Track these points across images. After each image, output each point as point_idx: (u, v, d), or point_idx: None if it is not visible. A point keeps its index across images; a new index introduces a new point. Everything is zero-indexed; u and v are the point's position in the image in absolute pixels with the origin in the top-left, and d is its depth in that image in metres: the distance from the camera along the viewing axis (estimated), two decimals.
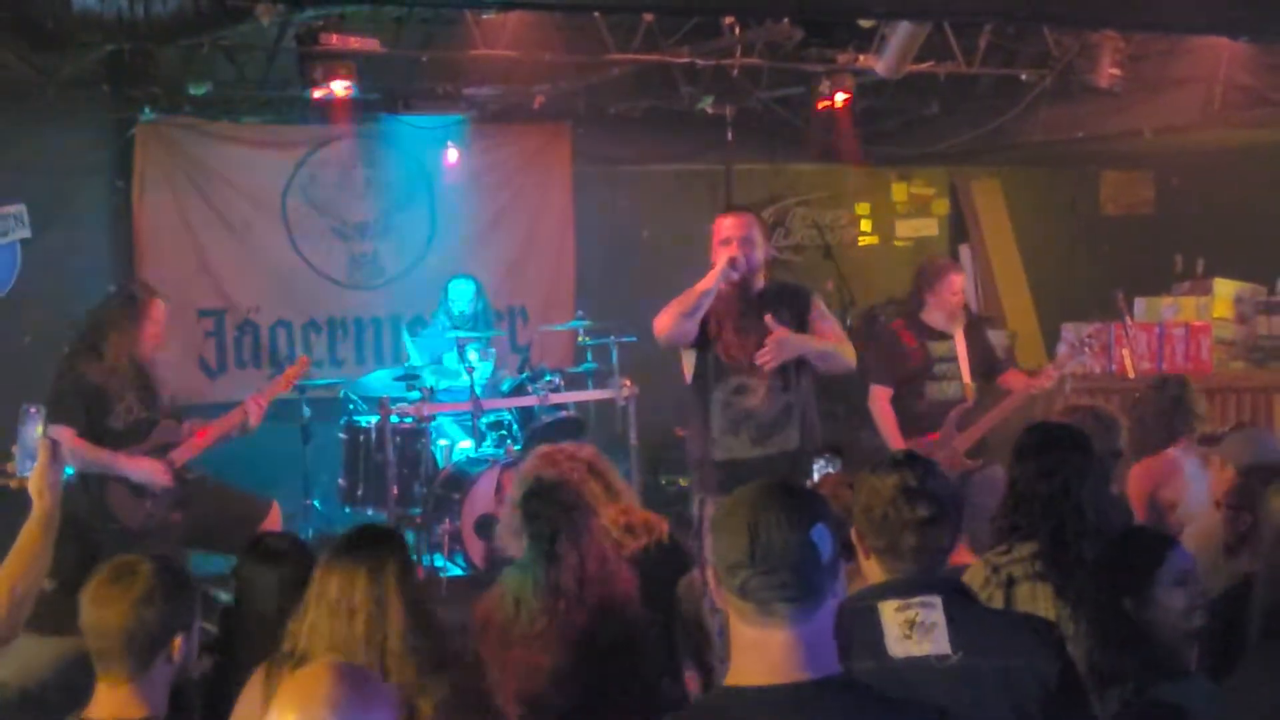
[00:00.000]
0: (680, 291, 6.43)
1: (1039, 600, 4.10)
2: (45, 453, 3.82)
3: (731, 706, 2.52)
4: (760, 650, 2.51)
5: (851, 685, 2.56)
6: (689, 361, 6.31)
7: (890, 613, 3.13)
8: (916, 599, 3.16)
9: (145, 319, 6.70)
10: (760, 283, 6.26)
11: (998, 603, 4.11)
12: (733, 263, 6.06)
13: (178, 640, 3.30)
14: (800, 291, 6.53)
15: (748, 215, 6.38)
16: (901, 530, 3.23)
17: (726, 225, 6.25)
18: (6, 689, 3.92)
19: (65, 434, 5.89)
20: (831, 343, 6.28)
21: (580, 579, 4.42)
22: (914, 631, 3.13)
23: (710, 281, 6.07)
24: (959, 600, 3.24)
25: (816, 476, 3.92)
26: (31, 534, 3.76)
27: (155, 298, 6.82)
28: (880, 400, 7.86)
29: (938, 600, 3.17)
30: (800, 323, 6.28)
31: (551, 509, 4.51)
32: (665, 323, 6.15)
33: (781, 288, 6.54)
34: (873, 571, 3.35)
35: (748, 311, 6.18)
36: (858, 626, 3.10)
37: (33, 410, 3.93)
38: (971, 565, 4.25)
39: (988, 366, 8.09)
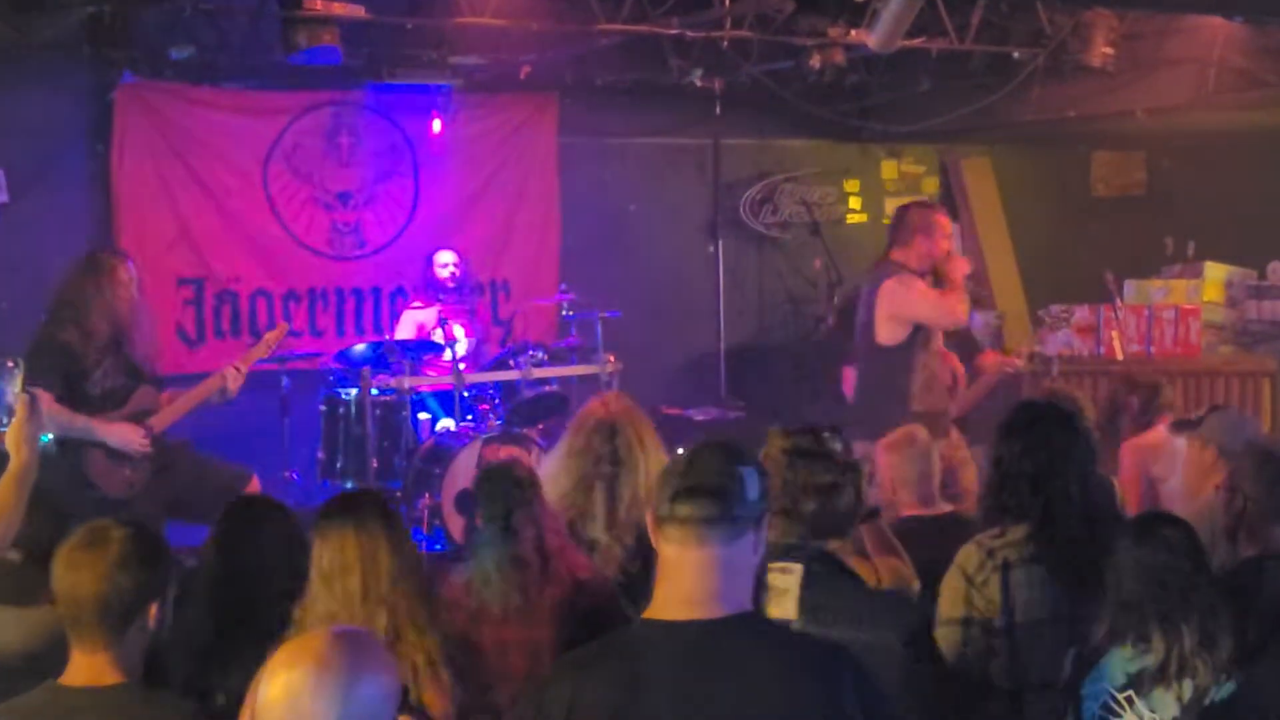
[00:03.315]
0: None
1: (1034, 584, 4.05)
2: (24, 407, 3.80)
3: (645, 636, 2.76)
4: (678, 575, 2.75)
5: (758, 621, 2.82)
6: (900, 329, 7.27)
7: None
8: (778, 564, 3.38)
9: (114, 283, 6.64)
10: None
11: (993, 587, 4.09)
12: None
13: (153, 607, 3.25)
14: None
15: None
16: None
17: (950, 226, 7.64)
18: None
19: (42, 398, 5.82)
20: None
21: (541, 551, 4.48)
22: (769, 595, 3.36)
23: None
24: (826, 570, 3.39)
25: None
26: (5, 488, 3.73)
27: (120, 260, 6.77)
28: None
29: (798, 568, 3.39)
30: None
31: (505, 486, 4.57)
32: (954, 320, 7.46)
33: None
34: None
35: None
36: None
37: (10, 365, 3.89)
38: (965, 548, 4.22)
39: (963, 346, 8.08)
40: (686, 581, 2.75)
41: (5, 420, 3.85)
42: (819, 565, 3.37)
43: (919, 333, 7.24)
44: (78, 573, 3.18)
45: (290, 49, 8.08)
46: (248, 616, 3.89)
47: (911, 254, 7.36)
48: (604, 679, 2.71)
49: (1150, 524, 3.78)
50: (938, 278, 7.33)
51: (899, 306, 7.27)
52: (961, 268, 7.35)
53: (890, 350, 7.27)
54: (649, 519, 2.85)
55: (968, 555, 4.17)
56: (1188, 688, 3.47)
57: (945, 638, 4.08)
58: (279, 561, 4.03)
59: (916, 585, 4.46)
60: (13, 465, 3.78)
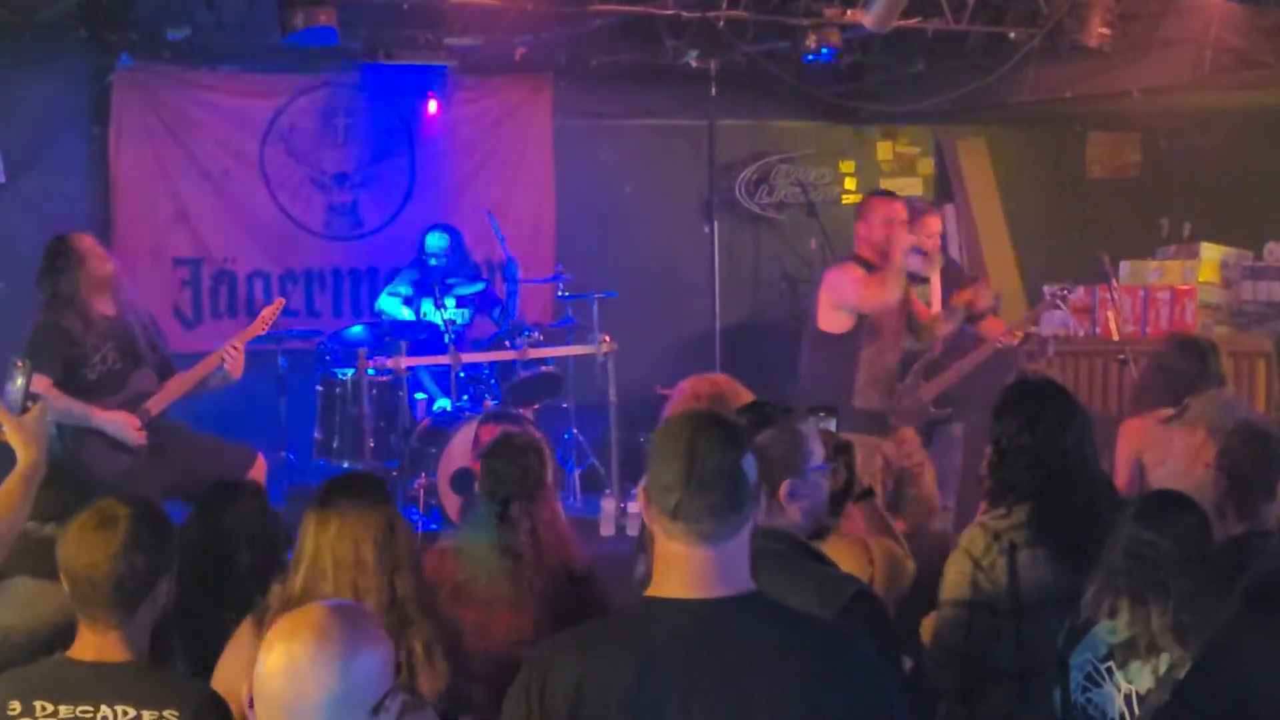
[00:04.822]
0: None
1: (1040, 566, 4.03)
2: (38, 409, 3.80)
3: (653, 614, 2.72)
4: (683, 565, 2.71)
5: (765, 601, 2.76)
6: (841, 318, 7.16)
7: None
8: None
9: (89, 260, 6.63)
10: None
11: (1000, 570, 4.06)
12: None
13: (163, 584, 3.28)
14: None
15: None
16: None
17: (894, 209, 7.28)
18: (14, 632, 3.91)
19: (41, 383, 5.83)
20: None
21: (536, 543, 4.50)
22: None
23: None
24: (784, 548, 3.34)
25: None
26: (12, 486, 3.73)
27: (88, 237, 6.77)
28: None
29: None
30: None
31: (509, 471, 4.59)
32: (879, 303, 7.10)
33: None
34: None
35: None
36: None
37: (18, 364, 3.90)
38: (970, 530, 4.20)
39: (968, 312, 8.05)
40: (693, 566, 2.70)
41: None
42: (775, 544, 3.30)
43: (864, 323, 7.15)
44: (91, 554, 3.19)
45: (287, 29, 8.08)
46: (215, 592, 3.93)
47: (861, 243, 7.40)
48: (613, 658, 2.66)
49: (1155, 504, 3.74)
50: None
51: (834, 293, 7.30)
52: (899, 247, 7.19)
53: (833, 339, 7.23)
54: (642, 502, 2.77)
55: (973, 538, 4.14)
56: (1164, 661, 3.48)
57: (949, 620, 4.09)
58: (245, 542, 4.08)
59: (911, 565, 4.46)
60: (21, 464, 3.77)
